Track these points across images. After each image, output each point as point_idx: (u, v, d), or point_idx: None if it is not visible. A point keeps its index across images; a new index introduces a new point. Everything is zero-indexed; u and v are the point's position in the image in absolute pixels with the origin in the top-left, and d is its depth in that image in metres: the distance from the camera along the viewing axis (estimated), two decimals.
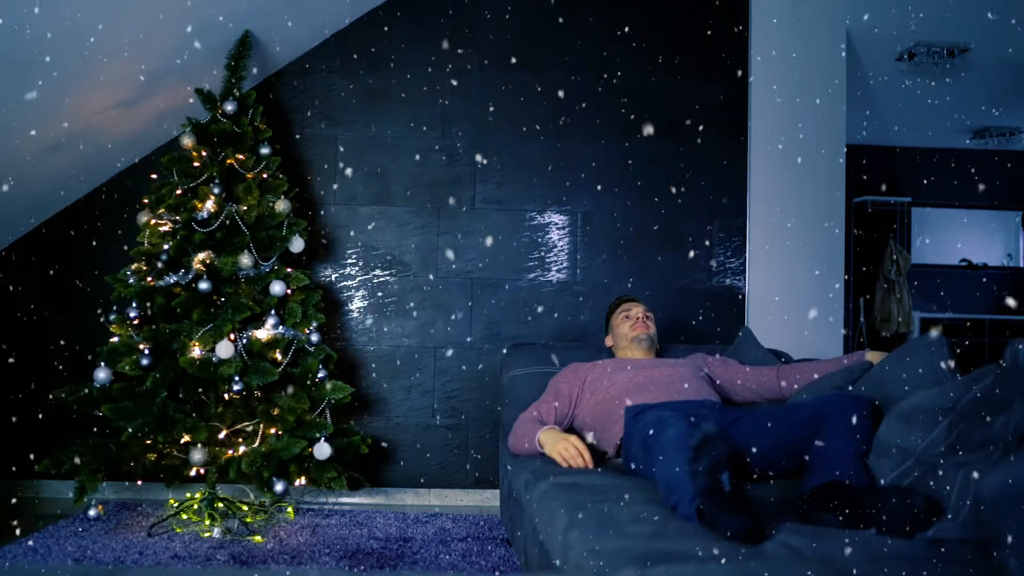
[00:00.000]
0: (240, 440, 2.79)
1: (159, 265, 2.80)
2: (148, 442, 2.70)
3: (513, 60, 3.44)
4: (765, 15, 3.44)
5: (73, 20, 2.40)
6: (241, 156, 2.93)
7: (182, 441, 2.75)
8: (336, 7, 3.29)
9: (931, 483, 1.56)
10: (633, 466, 2.03)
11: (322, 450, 2.79)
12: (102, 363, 2.70)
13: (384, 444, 3.34)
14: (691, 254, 3.46)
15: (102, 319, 2.89)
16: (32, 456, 3.13)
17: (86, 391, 2.71)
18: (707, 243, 3.47)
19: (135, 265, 2.83)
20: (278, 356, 2.83)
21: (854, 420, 1.78)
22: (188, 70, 3.05)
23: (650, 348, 2.60)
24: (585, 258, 3.44)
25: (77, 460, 2.62)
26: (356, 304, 3.39)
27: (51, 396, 2.78)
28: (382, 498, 3.33)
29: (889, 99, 4.79)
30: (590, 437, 2.38)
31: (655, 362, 2.45)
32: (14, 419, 3.23)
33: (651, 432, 1.85)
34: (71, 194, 3.27)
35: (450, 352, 3.39)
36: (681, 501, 1.54)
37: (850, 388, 2.09)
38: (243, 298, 2.81)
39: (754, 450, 1.89)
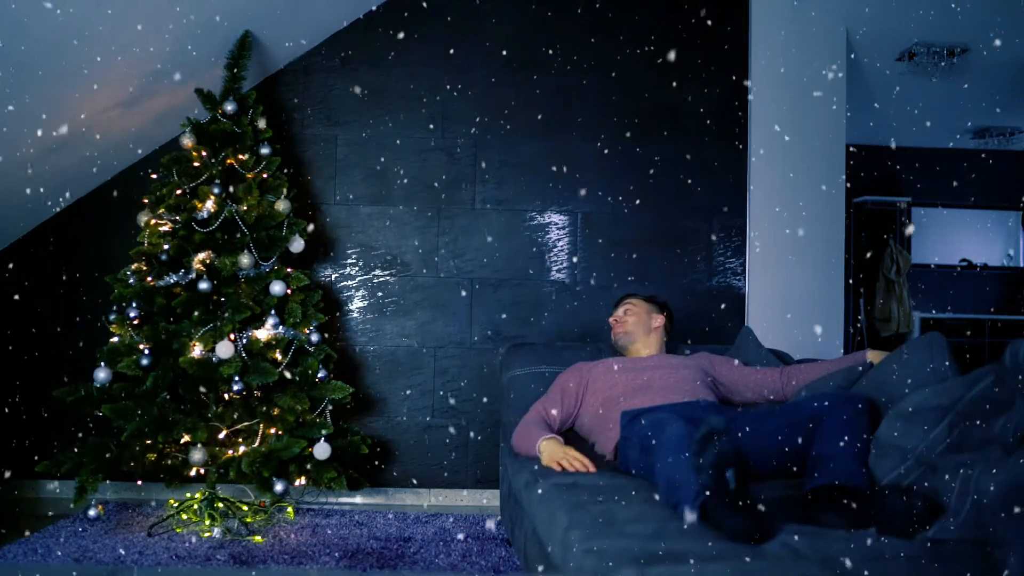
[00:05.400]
0: (240, 440, 2.79)
1: (159, 265, 2.80)
2: (148, 442, 2.70)
3: (513, 60, 3.44)
4: (765, 15, 3.44)
5: (73, 20, 2.40)
6: (241, 156, 2.93)
7: (182, 441, 2.75)
8: (336, 7, 3.29)
9: (931, 483, 1.56)
10: (631, 470, 2.02)
11: (322, 450, 2.79)
12: (102, 363, 2.70)
13: (384, 444, 3.34)
14: (691, 254, 3.46)
15: (102, 319, 2.89)
16: (32, 456, 3.13)
17: (86, 391, 2.71)
18: (707, 243, 3.47)
19: (135, 265, 2.83)
20: (278, 356, 2.83)
21: (852, 419, 1.78)
22: (188, 70, 3.05)
23: (635, 343, 2.57)
24: (585, 258, 3.44)
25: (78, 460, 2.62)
26: (356, 304, 3.39)
27: (52, 396, 2.78)
28: (382, 498, 3.33)
29: (889, 99, 4.79)
30: (590, 440, 2.37)
31: (657, 362, 2.44)
32: (14, 419, 3.23)
33: (649, 433, 1.85)
34: (71, 194, 3.27)
35: (450, 352, 3.39)
36: (684, 499, 1.53)
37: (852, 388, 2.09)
38: (243, 298, 2.81)
39: (752, 450, 1.89)
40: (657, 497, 1.71)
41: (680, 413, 1.98)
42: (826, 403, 1.83)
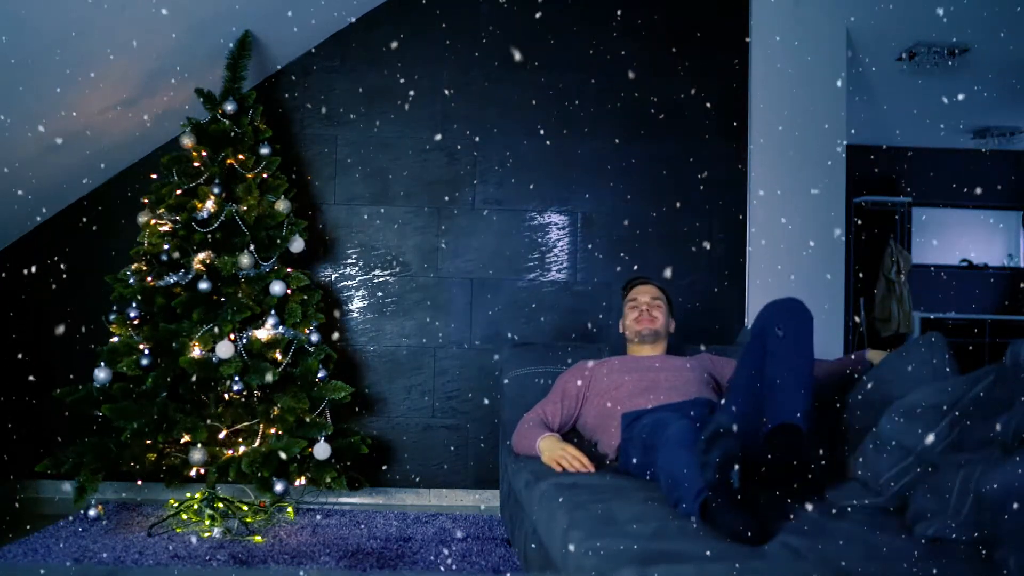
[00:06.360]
0: (240, 440, 2.78)
1: (159, 265, 2.80)
2: (148, 442, 2.70)
3: (513, 60, 3.44)
4: (765, 15, 3.44)
5: (73, 20, 2.40)
6: (241, 156, 2.93)
7: (182, 441, 2.75)
8: (336, 7, 3.29)
9: (931, 482, 1.56)
10: (632, 471, 2.02)
11: (322, 450, 2.79)
12: (102, 363, 2.70)
13: (384, 444, 3.34)
14: (691, 254, 3.46)
15: (102, 319, 2.89)
16: (32, 456, 3.12)
17: (86, 391, 2.71)
18: (707, 242, 3.47)
19: (135, 265, 2.83)
20: (278, 356, 2.83)
21: (792, 330, 1.80)
22: (188, 70, 3.05)
23: (656, 342, 2.50)
24: (585, 258, 3.44)
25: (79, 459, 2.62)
26: (356, 304, 3.39)
27: (52, 396, 2.78)
28: (382, 498, 3.33)
29: (889, 99, 4.79)
30: (592, 439, 2.37)
31: (663, 363, 2.41)
32: (14, 419, 3.23)
33: (651, 431, 1.84)
34: (71, 194, 3.27)
35: (450, 352, 3.39)
36: (686, 496, 1.52)
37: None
38: (243, 298, 2.81)
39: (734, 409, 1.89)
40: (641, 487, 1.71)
41: (683, 413, 1.98)
42: (762, 317, 1.88)
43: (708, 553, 1.31)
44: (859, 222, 6.03)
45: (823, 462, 1.72)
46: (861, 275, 6.01)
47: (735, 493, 1.43)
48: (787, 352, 1.79)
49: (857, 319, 5.94)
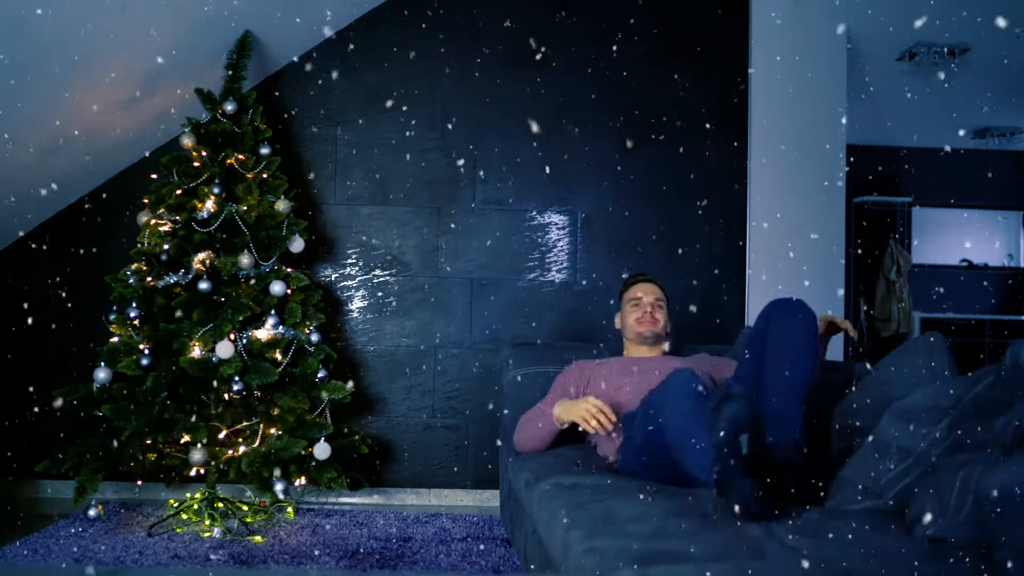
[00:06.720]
0: (240, 440, 2.79)
1: (159, 265, 2.80)
2: (148, 442, 2.70)
3: (513, 60, 3.44)
4: (765, 15, 3.44)
5: (73, 20, 2.40)
6: (241, 156, 2.93)
7: (182, 441, 2.75)
8: (336, 7, 3.29)
9: (931, 483, 1.56)
10: (634, 468, 2.01)
11: (322, 450, 2.79)
12: (102, 363, 2.70)
13: (384, 444, 3.34)
14: (691, 254, 3.46)
15: (102, 319, 2.89)
16: (32, 456, 3.12)
17: (86, 391, 2.71)
18: (707, 243, 3.47)
19: (135, 265, 2.83)
20: (278, 356, 2.83)
21: (792, 338, 1.78)
22: (188, 70, 3.05)
23: (656, 343, 2.49)
24: (585, 258, 3.44)
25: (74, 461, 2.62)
26: (356, 304, 3.39)
27: (52, 396, 2.78)
28: (382, 498, 3.33)
29: (889, 99, 4.79)
30: (592, 441, 2.37)
31: (662, 364, 2.38)
32: (14, 419, 3.23)
33: (657, 400, 1.84)
34: (71, 194, 3.27)
35: (450, 352, 3.39)
36: (697, 466, 1.52)
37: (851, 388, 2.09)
38: (243, 298, 2.81)
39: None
40: (644, 488, 1.71)
41: None
42: (767, 316, 1.85)
43: (708, 553, 1.31)
44: (859, 242, 6.01)
45: (820, 481, 1.71)
46: (861, 275, 6.01)
47: (744, 459, 1.44)
48: (787, 358, 1.78)
49: (860, 321, 5.93)
